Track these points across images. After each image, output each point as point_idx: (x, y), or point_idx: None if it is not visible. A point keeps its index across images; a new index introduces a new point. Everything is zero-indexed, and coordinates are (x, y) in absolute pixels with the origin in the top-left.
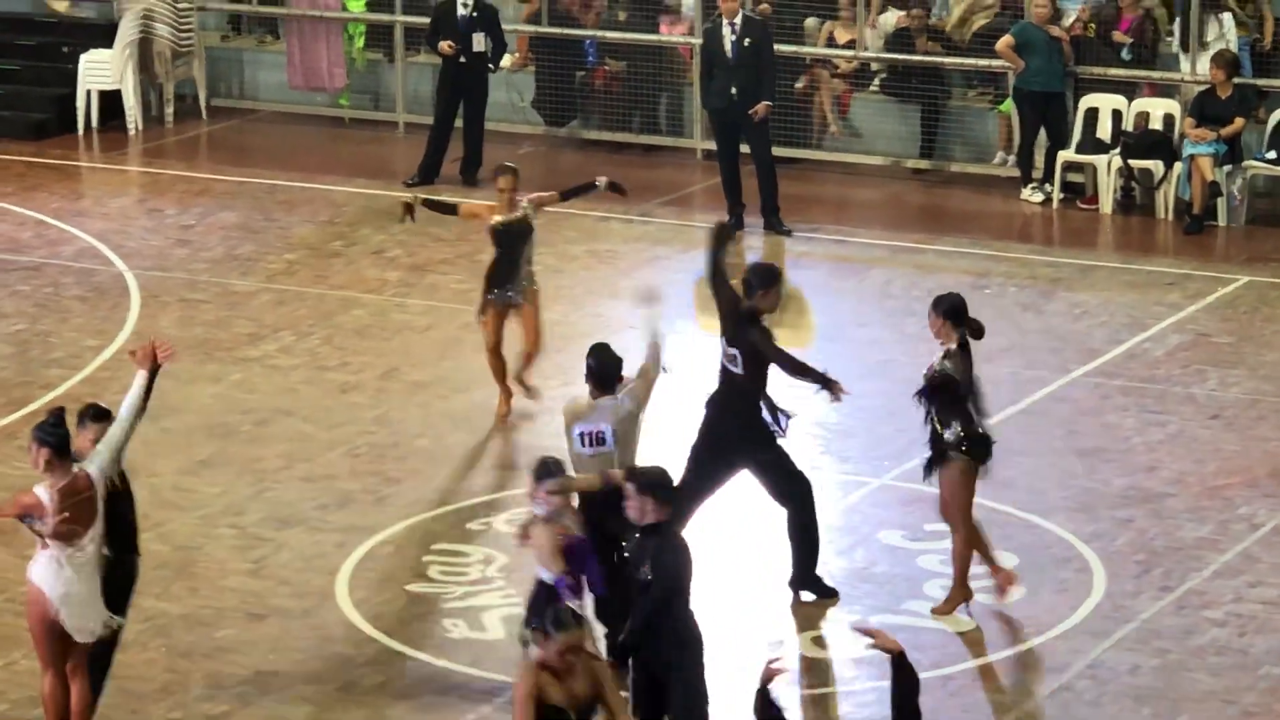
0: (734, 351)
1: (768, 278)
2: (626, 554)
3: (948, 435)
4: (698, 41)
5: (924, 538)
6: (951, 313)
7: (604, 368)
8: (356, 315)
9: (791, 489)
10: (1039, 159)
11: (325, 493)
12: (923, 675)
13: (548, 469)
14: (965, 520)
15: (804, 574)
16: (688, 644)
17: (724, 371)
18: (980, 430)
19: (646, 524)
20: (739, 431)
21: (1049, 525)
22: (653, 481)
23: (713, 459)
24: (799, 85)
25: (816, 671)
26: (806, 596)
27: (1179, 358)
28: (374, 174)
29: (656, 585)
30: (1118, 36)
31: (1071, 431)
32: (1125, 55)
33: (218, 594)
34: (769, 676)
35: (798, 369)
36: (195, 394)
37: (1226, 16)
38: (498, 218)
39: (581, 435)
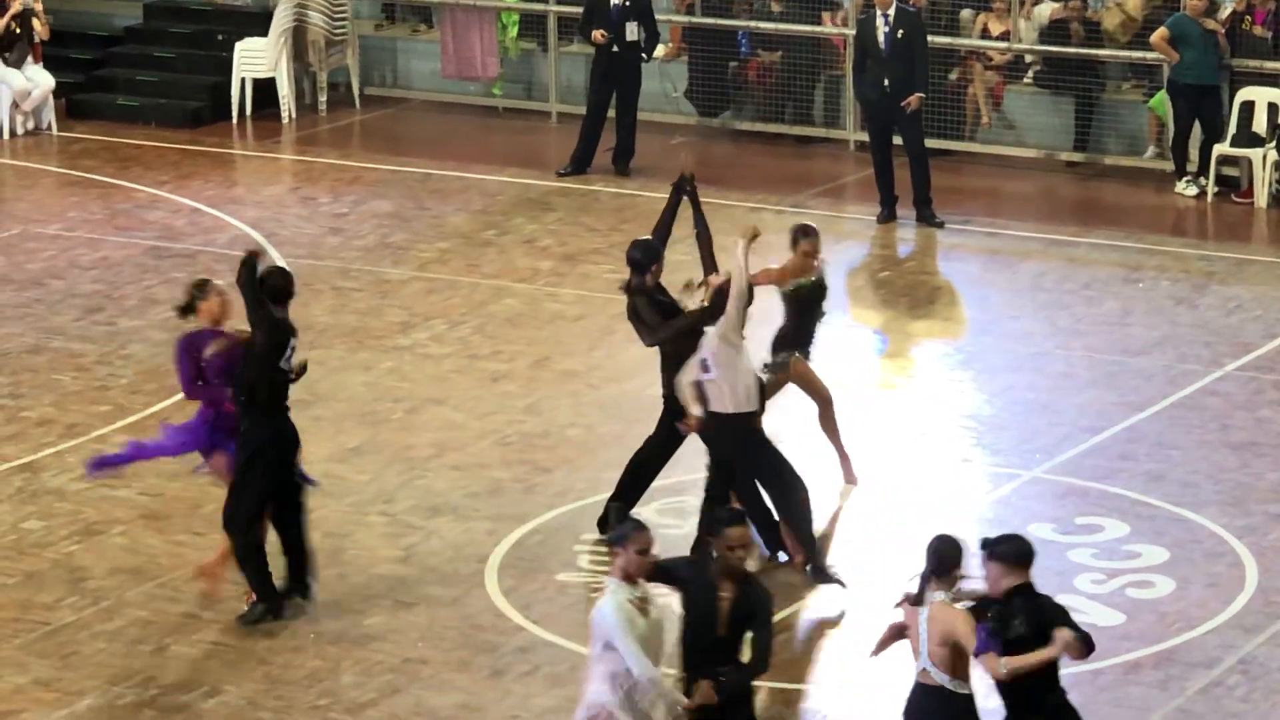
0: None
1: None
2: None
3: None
4: (851, 33)
5: (1074, 531)
6: None
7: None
8: (508, 304)
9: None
10: (1193, 152)
11: (475, 481)
12: (1072, 670)
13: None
14: None
15: None
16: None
17: None
18: None
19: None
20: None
21: (1201, 519)
22: (1000, 549)
23: (669, 421)
24: (952, 77)
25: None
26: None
27: None
28: (526, 164)
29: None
30: (1258, 31)
31: (1224, 426)
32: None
33: (367, 582)
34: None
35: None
36: (347, 382)
37: None
38: (795, 281)
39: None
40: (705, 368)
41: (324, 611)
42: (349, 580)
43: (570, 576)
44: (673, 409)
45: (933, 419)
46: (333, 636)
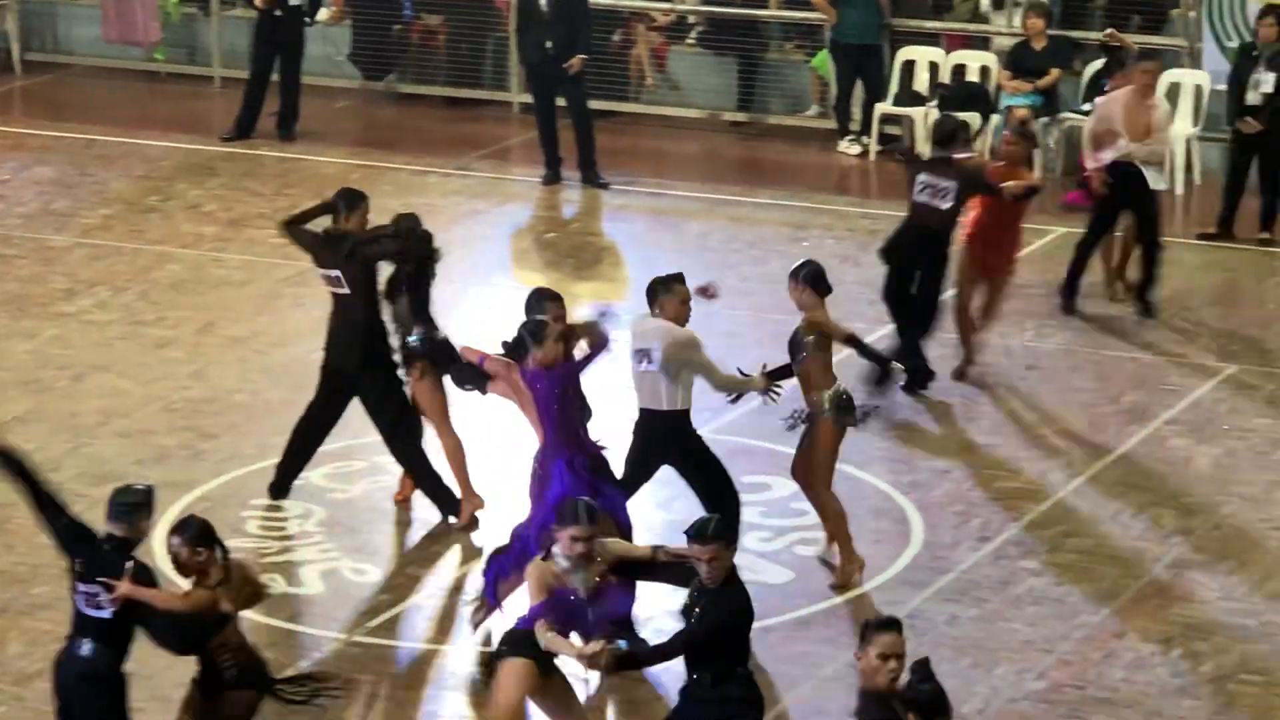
0: (335, 273)
1: (353, 199)
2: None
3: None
4: None
5: (743, 490)
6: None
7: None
8: (173, 270)
9: (400, 422)
10: (856, 111)
11: (142, 448)
12: None
13: (575, 514)
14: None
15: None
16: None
17: (335, 300)
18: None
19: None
20: (351, 360)
21: (866, 476)
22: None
23: (331, 388)
24: (615, 38)
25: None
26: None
27: None
28: (190, 129)
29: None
30: None
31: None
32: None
33: (33, 550)
34: None
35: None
36: (10, 350)
37: None
38: None
39: (636, 352)
40: (647, 358)
41: None
42: (15, 550)
43: (238, 542)
44: (333, 376)
45: (599, 379)
46: None
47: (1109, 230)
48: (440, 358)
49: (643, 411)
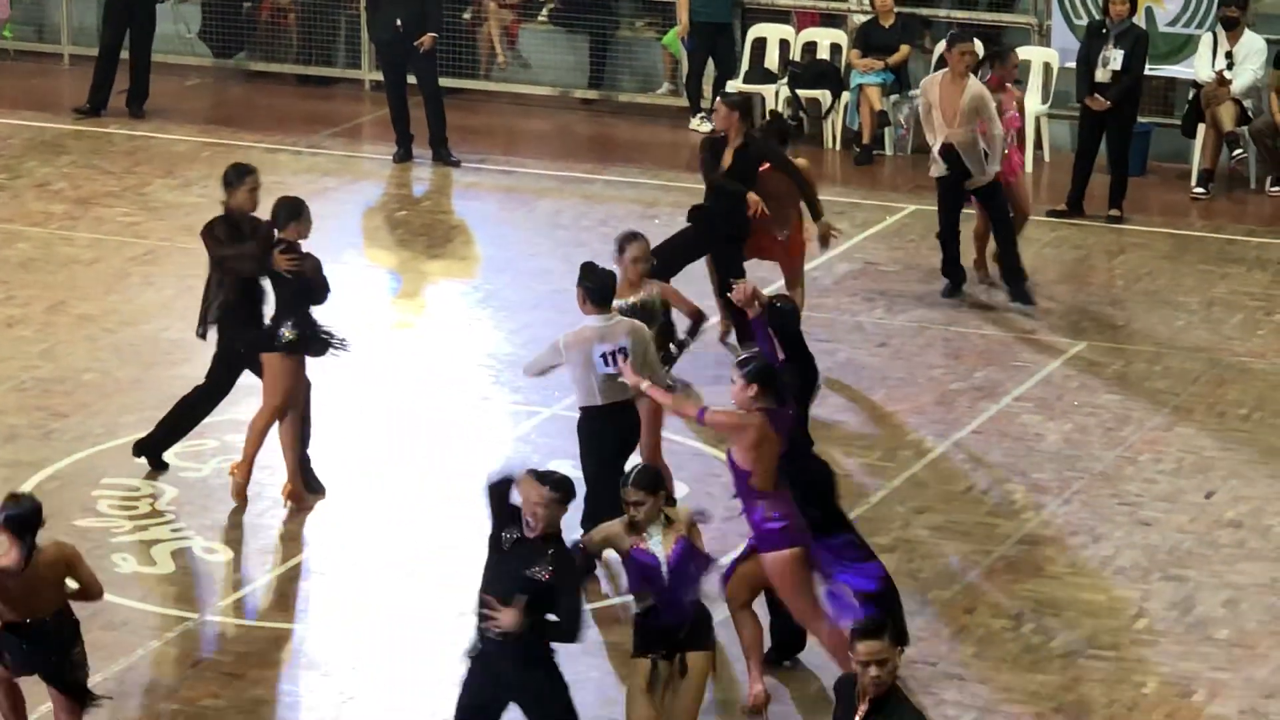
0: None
1: (240, 173)
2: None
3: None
4: None
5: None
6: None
7: (603, 284)
8: (21, 249)
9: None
10: (707, 89)
11: None
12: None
13: (625, 478)
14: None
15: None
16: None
17: None
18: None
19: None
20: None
21: (717, 453)
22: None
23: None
24: (466, 16)
25: None
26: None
27: (847, 286)
28: (39, 106)
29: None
30: None
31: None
32: None
33: None
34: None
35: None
36: None
37: None
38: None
39: (604, 356)
40: (623, 355)
41: None
42: None
43: (89, 522)
44: (225, 357)
45: (451, 358)
46: None
47: (956, 209)
48: (308, 351)
49: (613, 406)
